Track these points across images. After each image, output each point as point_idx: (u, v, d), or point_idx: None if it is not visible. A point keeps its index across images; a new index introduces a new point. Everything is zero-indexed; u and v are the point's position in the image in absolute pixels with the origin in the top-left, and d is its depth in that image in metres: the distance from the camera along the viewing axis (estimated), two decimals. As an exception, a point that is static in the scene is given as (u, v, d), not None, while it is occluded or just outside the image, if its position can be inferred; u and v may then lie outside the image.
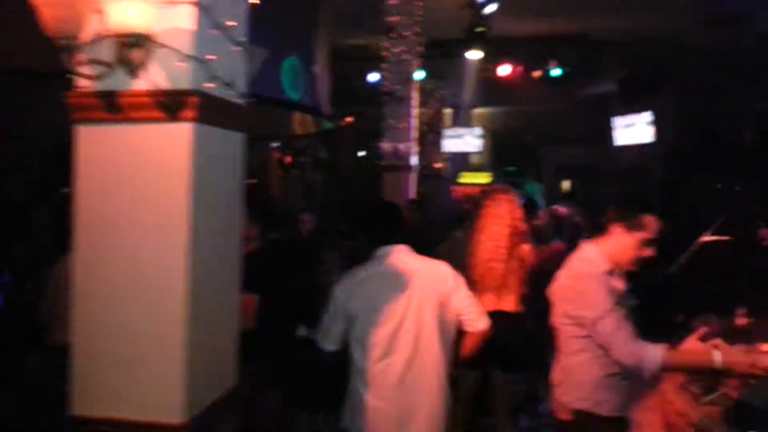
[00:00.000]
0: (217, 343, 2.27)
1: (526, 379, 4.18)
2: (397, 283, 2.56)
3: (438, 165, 12.91)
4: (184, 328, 2.03)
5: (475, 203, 4.79)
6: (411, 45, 8.04)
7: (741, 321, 4.92)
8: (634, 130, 12.10)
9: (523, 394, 4.25)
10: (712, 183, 8.89)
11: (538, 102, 12.51)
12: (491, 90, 13.04)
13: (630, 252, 2.48)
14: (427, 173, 12.66)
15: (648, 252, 2.48)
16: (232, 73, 2.25)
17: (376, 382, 2.54)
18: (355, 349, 2.58)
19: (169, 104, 2.00)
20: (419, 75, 9.34)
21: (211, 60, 2.08)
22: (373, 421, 2.55)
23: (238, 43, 2.26)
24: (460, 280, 2.70)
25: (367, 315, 2.54)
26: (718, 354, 2.15)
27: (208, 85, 2.08)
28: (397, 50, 7.89)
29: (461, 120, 14.32)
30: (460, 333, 2.69)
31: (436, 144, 13.19)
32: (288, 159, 10.14)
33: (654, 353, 2.27)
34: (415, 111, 8.43)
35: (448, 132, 14.08)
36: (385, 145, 8.23)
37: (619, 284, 2.53)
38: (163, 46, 2.00)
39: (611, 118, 12.36)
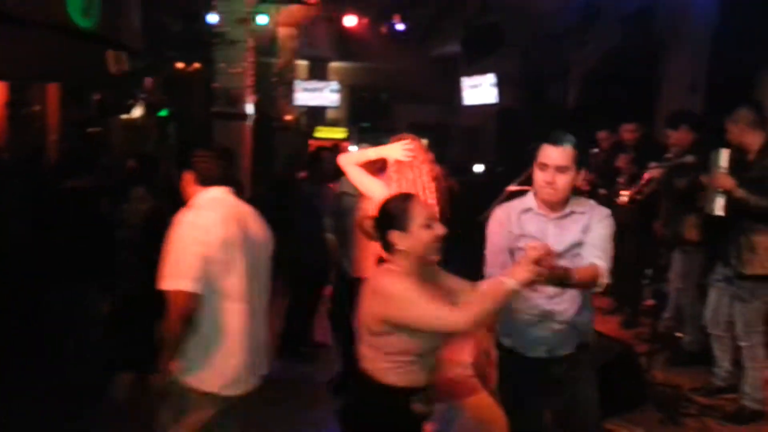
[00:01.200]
0: None
1: None
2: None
3: (289, 117, 12.67)
4: None
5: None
6: (244, -17, 7.70)
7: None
8: (479, 90, 12.61)
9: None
10: (536, 139, 9.46)
11: (393, 60, 12.58)
12: (346, 45, 12.90)
13: (537, 181, 2.51)
14: (277, 126, 12.40)
15: (547, 178, 2.45)
16: None
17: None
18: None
19: None
20: (262, 19, 9.01)
21: None
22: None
23: None
24: None
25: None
26: None
27: None
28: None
29: (317, 73, 14.13)
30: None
31: (288, 96, 12.91)
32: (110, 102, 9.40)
33: None
34: (250, 56, 8.11)
35: (302, 84, 13.84)
36: (216, 91, 7.88)
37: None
38: None
39: (459, 78, 12.77)
